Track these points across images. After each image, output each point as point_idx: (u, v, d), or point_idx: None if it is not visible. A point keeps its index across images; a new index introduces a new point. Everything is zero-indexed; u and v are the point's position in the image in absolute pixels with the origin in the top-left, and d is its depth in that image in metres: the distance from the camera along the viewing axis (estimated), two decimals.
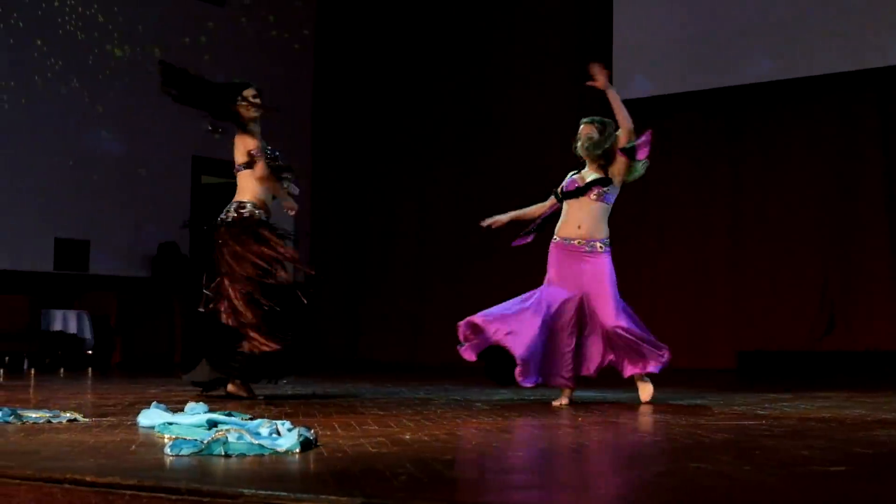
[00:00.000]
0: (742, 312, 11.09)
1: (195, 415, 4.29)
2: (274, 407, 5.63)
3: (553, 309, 5.90)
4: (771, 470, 3.26)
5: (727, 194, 11.34)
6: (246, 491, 2.71)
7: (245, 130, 6.63)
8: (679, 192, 11.59)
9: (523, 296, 6.08)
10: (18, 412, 4.69)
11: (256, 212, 6.49)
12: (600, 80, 6.13)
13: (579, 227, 6.12)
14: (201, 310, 6.46)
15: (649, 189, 11.77)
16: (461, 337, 5.94)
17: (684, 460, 3.48)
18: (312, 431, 3.84)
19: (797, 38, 10.86)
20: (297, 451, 3.56)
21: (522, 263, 12.50)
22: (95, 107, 11.96)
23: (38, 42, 11.54)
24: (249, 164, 6.56)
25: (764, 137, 11.19)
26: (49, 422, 4.59)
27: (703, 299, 11.38)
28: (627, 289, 11.61)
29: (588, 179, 6.15)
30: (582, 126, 6.24)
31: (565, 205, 6.17)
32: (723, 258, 11.30)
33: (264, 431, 3.76)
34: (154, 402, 4.78)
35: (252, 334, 6.21)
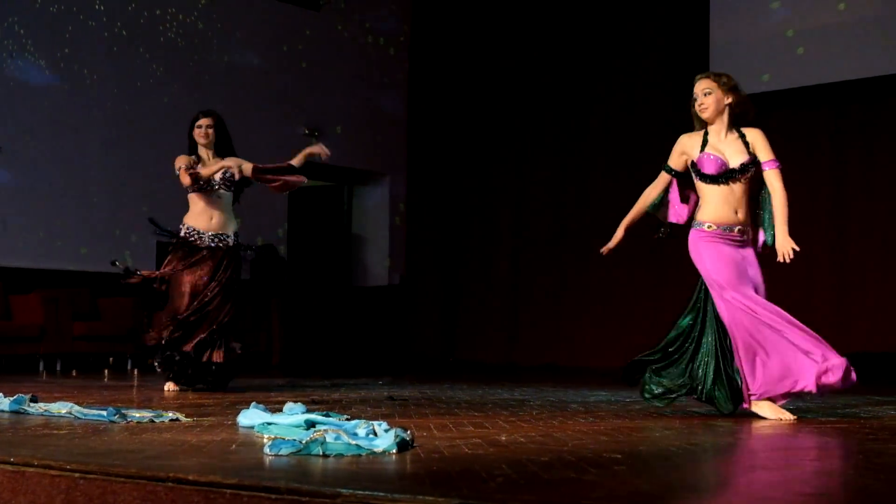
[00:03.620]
0: (846, 313, 10.86)
1: (293, 415, 4.33)
2: (370, 408, 5.66)
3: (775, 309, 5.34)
4: (876, 474, 3.19)
5: (830, 191, 11.12)
6: (344, 491, 2.73)
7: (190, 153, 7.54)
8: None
9: (760, 311, 5.24)
10: (123, 411, 4.78)
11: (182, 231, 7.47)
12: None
13: (737, 213, 5.36)
14: None
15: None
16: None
17: (784, 459, 3.42)
18: (409, 432, 3.85)
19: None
20: (394, 451, 3.57)
21: (619, 264, 12.45)
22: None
23: (141, 49, 11.81)
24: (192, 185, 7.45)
25: (869, 133, 10.96)
26: (152, 421, 4.66)
27: (805, 300, 11.15)
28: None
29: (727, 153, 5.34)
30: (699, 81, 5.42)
31: (710, 187, 5.32)
32: (826, 256, 11.07)
33: (361, 432, 3.79)
34: (253, 403, 4.84)
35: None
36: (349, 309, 13.60)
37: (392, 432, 3.74)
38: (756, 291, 5.29)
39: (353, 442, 3.59)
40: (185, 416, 4.86)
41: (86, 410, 4.88)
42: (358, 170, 13.72)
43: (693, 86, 5.39)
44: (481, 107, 13.89)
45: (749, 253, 5.39)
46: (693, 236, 5.37)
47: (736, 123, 5.39)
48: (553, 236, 12.83)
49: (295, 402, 4.92)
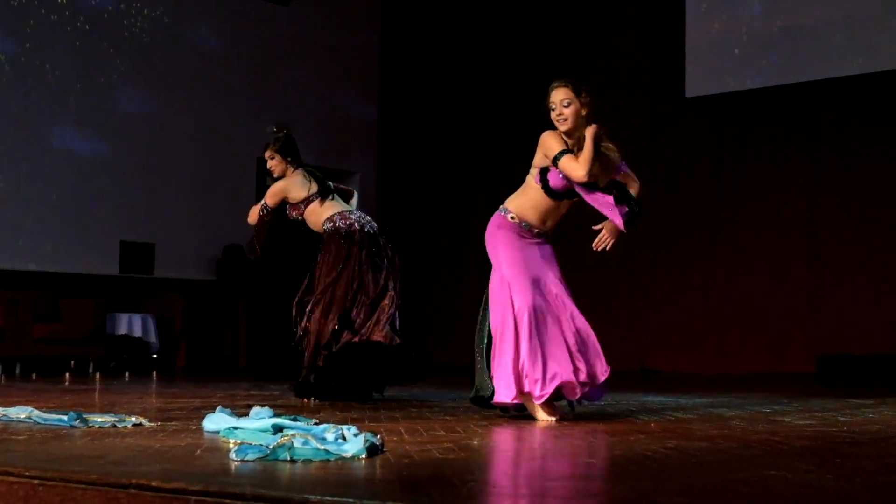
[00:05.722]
0: (822, 314, 10.93)
1: (260, 419, 4.31)
2: (339, 412, 5.65)
3: None
4: (852, 479, 3.20)
5: (805, 190, 11.20)
6: (312, 497, 2.71)
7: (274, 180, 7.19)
8: (755, 189, 11.48)
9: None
10: (84, 416, 4.75)
11: None
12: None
13: (546, 223, 5.52)
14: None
15: (724, 189, 11.68)
16: None
17: (761, 468, 3.43)
18: (379, 437, 3.84)
19: (871, 33, 10.67)
20: (364, 456, 3.56)
21: (593, 265, 12.48)
22: (164, 109, 12.13)
23: (105, 44, 11.74)
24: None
25: (844, 133, 11.02)
26: (114, 426, 4.63)
27: (781, 300, 11.23)
28: (701, 289, 11.67)
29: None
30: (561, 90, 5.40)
31: (542, 195, 5.40)
32: (801, 256, 11.14)
33: (330, 436, 3.77)
34: (219, 407, 4.81)
35: None
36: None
37: (361, 437, 3.73)
38: (547, 286, 5.38)
39: (322, 447, 3.57)
40: (149, 421, 4.83)
41: (46, 415, 4.84)
42: (328, 168, 13.69)
43: (549, 93, 5.38)
44: (453, 105, 13.89)
45: (547, 250, 5.51)
46: (495, 220, 5.49)
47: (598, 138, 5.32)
48: None
49: (262, 405, 4.90)
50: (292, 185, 7.03)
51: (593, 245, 5.38)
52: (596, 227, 5.40)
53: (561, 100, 5.35)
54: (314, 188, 7.02)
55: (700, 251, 11.76)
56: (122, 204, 11.80)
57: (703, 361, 11.43)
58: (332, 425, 3.99)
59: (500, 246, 5.44)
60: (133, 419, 4.79)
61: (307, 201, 7.01)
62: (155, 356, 11.40)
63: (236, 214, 12.72)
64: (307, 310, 6.83)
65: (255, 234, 7.14)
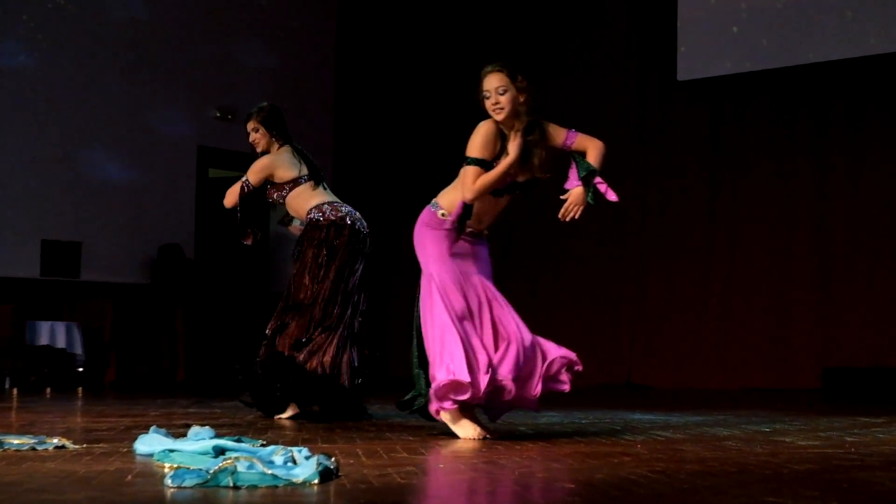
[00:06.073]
0: (828, 322, 10.99)
1: (200, 441, 4.29)
2: (289, 431, 5.63)
3: None
4: None
5: (811, 186, 11.24)
6: None
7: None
8: (755, 185, 11.52)
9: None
10: None
11: None
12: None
13: (481, 221, 5.64)
14: None
15: (721, 186, 11.73)
16: None
17: (761, 494, 3.44)
18: (333, 459, 3.83)
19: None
20: (316, 481, 3.55)
21: (568, 269, 12.50)
22: (88, 89, 12.05)
23: (25, 17, 11.64)
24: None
25: (855, 124, 11.06)
26: (34, 449, 4.60)
27: (782, 307, 11.29)
28: (694, 294, 11.71)
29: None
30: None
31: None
32: (806, 259, 11.20)
33: (278, 459, 3.76)
34: (153, 427, 4.78)
35: None
36: (266, 318, 13.49)
37: (314, 460, 3.72)
38: (477, 289, 5.51)
39: (269, 471, 3.56)
40: (73, 443, 4.80)
41: None
42: None
43: (481, 79, 5.42)
44: (418, 97, 13.87)
45: (481, 251, 5.65)
46: (424, 217, 5.59)
47: (530, 124, 5.43)
48: (491, 245, 12.85)
49: (202, 425, 4.87)
50: (280, 163, 6.90)
51: (559, 215, 5.41)
52: (562, 197, 5.43)
53: (496, 87, 5.39)
54: (304, 170, 6.91)
55: (693, 253, 11.80)
56: (43, 197, 11.71)
57: (695, 375, 11.47)
58: (280, 447, 3.98)
59: (427, 245, 5.53)
60: (55, 441, 4.75)
61: (294, 183, 6.87)
62: (81, 369, 11.31)
63: (174, 209, 12.71)
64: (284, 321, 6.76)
65: (240, 216, 6.97)
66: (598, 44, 12.61)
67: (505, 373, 5.31)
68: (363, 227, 6.95)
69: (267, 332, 6.87)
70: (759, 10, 11.42)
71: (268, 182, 6.92)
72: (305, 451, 3.86)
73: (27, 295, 11.41)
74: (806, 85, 11.33)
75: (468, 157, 5.36)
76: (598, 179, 5.40)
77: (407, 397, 5.62)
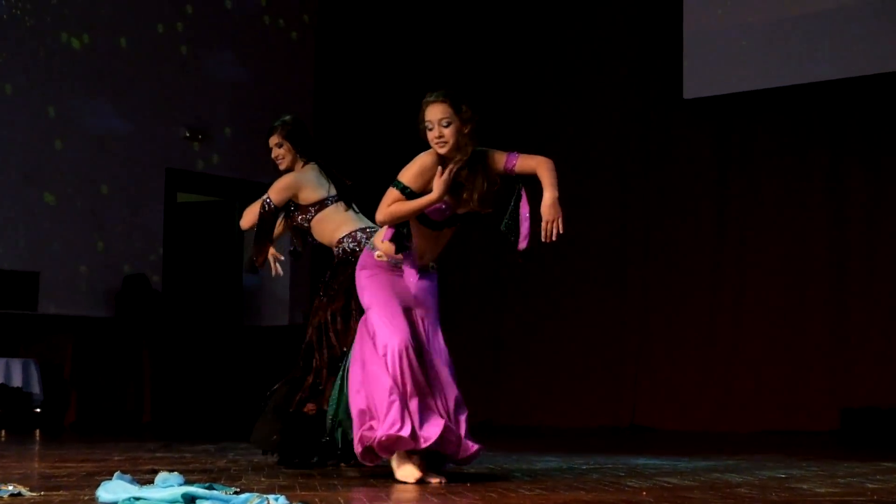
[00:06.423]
0: (847, 359, 10.96)
1: (168, 488, 4.28)
2: (265, 478, 5.61)
3: None
4: None
5: (826, 211, 11.21)
6: None
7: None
8: (766, 210, 11.51)
9: None
10: None
11: None
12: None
13: (423, 257, 5.71)
14: None
15: (729, 211, 11.73)
16: None
17: None
18: None
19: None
20: None
21: (566, 297, 12.49)
22: (46, 108, 12.05)
23: None
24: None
25: (873, 145, 11.08)
26: None
27: (798, 345, 11.26)
28: (702, 329, 11.69)
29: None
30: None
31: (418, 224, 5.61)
32: (822, 290, 11.18)
33: None
34: (118, 473, 4.76)
35: None
36: (240, 355, 13.49)
37: None
38: (418, 326, 5.54)
39: None
40: (30, 490, 4.78)
41: None
42: (251, 182, 13.63)
43: (423, 109, 5.52)
44: (408, 104, 13.83)
45: (424, 285, 5.63)
46: (361, 259, 5.70)
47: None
48: (487, 278, 12.87)
49: (170, 471, 4.86)
50: (305, 182, 6.68)
51: (542, 238, 5.37)
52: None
53: (439, 119, 5.45)
54: (332, 190, 6.72)
55: (701, 283, 11.78)
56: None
57: (704, 417, 11.42)
58: (255, 494, 3.98)
59: (364, 288, 5.59)
60: (10, 488, 4.73)
61: (320, 205, 6.65)
62: (38, 410, 11.26)
63: (140, 237, 12.68)
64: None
65: (256, 239, 6.70)
66: (599, 59, 12.63)
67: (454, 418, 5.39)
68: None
69: (320, 386, 6.46)
70: (770, 25, 11.44)
71: (291, 204, 6.72)
72: (283, 500, 3.85)
73: None
74: (820, 103, 11.34)
75: (396, 180, 5.43)
76: (523, 228, 5.43)
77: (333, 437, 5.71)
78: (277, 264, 6.90)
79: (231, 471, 6.10)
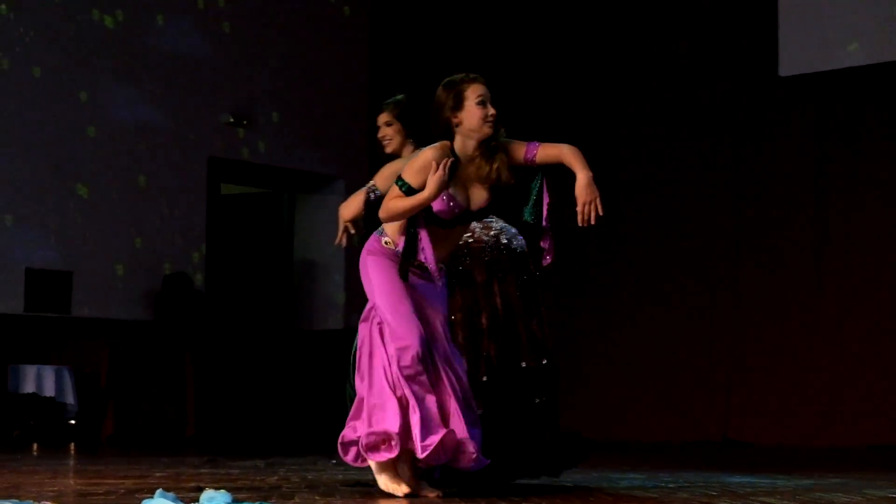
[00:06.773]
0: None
1: None
2: (320, 496, 5.58)
3: None
4: None
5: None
6: None
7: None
8: (872, 204, 11.46)
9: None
10: None
11: None
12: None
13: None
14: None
15: (831, 201, 11.64)
16: None
17: None
18: None
19: None
20: None
21: (655, 306, 12.41)
22: (77, 92, 12.10)
23: (3, 7, 11.71)
24: None
25: None
26: None
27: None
28: (801, 335, 11.60)
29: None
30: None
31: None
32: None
33: None
34: (159, 490, 4.78)
35: None
36: (291, 362, 13.51)
37: None
38: (432, 326, 5.58)
39: None
40: None
41: None
42: (302, 171, 13.66)
43: (465, 85, 5.76)
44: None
45: (432, 288, 5.66)
46: (368, 244, 5.75)
47: (486, 142, 5.58)
48: (564, 282, 12.84)
49: (216, 488, 4.84)
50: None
51: (578, 222, 5.51)
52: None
53: (489, 95, 5.65)
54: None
55: (799, 283, 11.69)
56: (27, 219, 11.75)
57: (804, 430, 11.37)
58: None
59: (371, 275, 5.62)
60: None
61: None
62: (73, 422, 11.34)
63: (180, 232, 12.71)
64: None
65: (364, 230, 6.73)
66: (684, 34, 12.59)
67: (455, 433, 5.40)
68: (520, 247, 6.62)
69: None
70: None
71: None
72: None
73: (9, 334, 11.44)
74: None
75: (398, 176, 5.54)
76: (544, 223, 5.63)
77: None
78: (345, 236, 6.79)
79: (283, 489, 6.09)
